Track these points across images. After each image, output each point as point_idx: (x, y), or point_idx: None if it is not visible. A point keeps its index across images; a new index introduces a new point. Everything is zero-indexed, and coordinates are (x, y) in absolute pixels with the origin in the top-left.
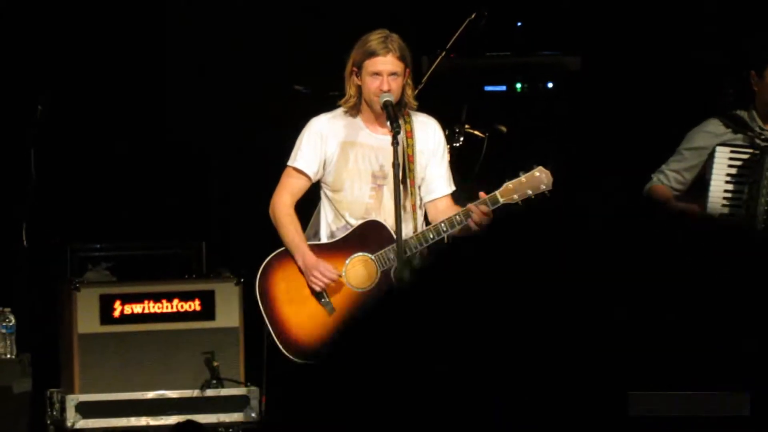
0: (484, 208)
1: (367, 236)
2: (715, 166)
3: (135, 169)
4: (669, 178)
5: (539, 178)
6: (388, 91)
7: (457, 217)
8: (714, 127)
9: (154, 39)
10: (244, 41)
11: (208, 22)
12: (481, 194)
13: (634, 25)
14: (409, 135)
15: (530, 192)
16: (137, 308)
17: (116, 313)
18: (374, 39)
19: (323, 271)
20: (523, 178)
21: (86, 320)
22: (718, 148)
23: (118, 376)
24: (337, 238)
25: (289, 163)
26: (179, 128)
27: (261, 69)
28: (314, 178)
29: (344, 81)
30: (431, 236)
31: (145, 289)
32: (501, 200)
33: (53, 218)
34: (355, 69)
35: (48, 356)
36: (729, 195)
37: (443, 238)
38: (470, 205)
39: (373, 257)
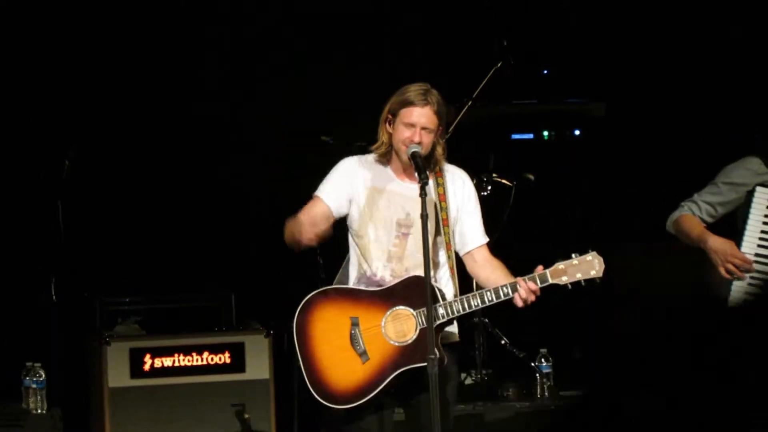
0: (533, 285)
1: (412, 290)
2: (754, 205)
3: (163, 221)
4: (701, 209)
5: (591, 263)
6: (419, 143)
7: (504, 289)
8: (755, 165)
9: (183, 89)
10: (272, 91)
11: (235, 66)
12: (539, 268)
13: (657, 70)
14: (442, 195)
15: (580, 276)
16: (167, 361)
17: (146, 367)
18: (414, 90)
19: None
20: (575, 260)
21: (117, 374)
22: (759, 189)
23: (150, 430)
24: (381, 287)
25: (316, 192)
26: (206, 179)
27: (289, 119)
28: (335, 211)
29: (378, 127)
30: (475, 303)
31: (175, 342)
32: (550, 280)
33: (82, 272)
34: (389, 116)
35: (79, 411)
36: (765, 236)
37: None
38: (519, 280)
39: (414, 313)
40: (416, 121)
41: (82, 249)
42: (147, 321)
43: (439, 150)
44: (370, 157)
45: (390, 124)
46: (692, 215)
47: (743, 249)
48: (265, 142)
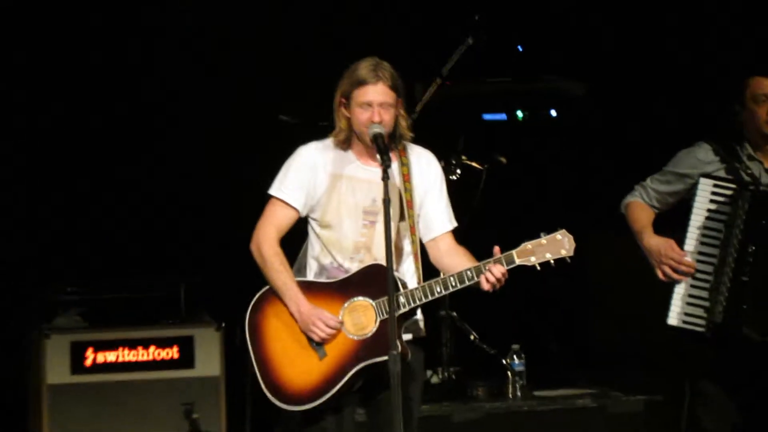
0: (500, 268)
1: (370, 280)
2: (697, 198)
3: (106, 206)
4: (650, 196)
5: (561, 242)
6: (380, 122)
7: (468, 272)
8: (703, 153)
9: (131, 67)
10: (226, 67)
11: (188, 41)
12: (496, 249)
13: (644, 46)
14: (407, 176)
15: (549, 256)
16: (111, 356)
17: (88, 362)
18: (363, 67)
19: (325, 320)
20: (543, 239)
21: (56, 369)
22: (702, 180)
23: (92, 430)
24: (335, 279)
25: (273, 192)
26: (151, 160)
27: (243, 96)
28: (302, 212)
29: (333, 113)
30: (438, 290)
31: (119, 335)
32: (517, 261)
33: (19, 261)
34: (343, 100)
35: (15, 409)
36: (708, 233)
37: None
38: (483, 263)
39: (373, 303)
40: (372, 99)
41: (19, 236)
42: (89, 312)
43: (403, 123)
44: (330, 141)
45: (346, 108)
46: (642, 203)
47: (686, 247)
48: (214, 121)
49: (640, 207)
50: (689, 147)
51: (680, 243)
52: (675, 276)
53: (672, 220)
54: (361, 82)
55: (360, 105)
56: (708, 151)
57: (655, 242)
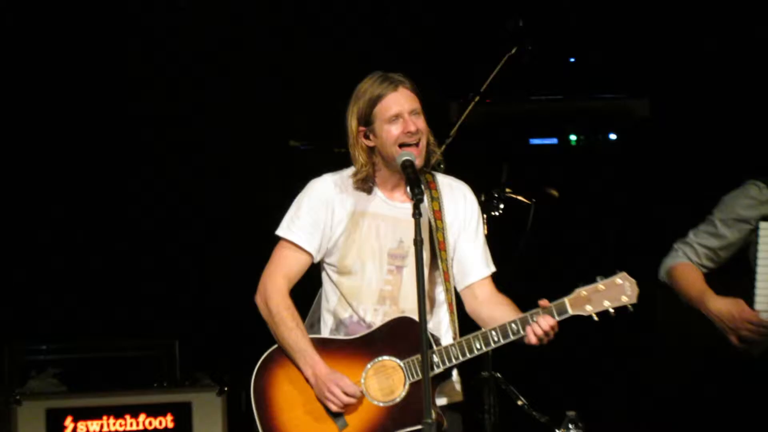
0: (550, 320)
1: (397, 336)
2: (761, 246)
3: (89, 252)
4: (699, 253)
5: (621, 287)
6: (417, 131)
7: (513, 325)
8: (756, 191)
9: (119, 89)
10: (226, 87)
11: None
12: (543, 302)
13: (713, 58)
14: (438, 212)
15: (608, 304)
16: (94, 426)
17: None
18: (372, 83)
19: (344, 387)
20: (600, 284)
21: None
22: (762, 224)
23: None
24: (356, 335)
25: (282, 234)
26: (142, 196)
27: (247, 119)
28: (316, 257)
29: (349, 149)
30: (477, 346)
31: (104, 401)
32: (570, 311)
33: None
34: (362, 129)
35: None
36: None
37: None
38: (530, 314)
39: (401, 364)
40: (400, 109)
41: None
42: (68, 374)
43: (431, 139)
44: (347, 173)
45: (367, 137)
46: (689, 264)
47: (757, 306)
48: (217, 149)
49: (690, 269)
50: (735, 190)
51: (746, 298)
52: (755, 337)
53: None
54: (380, 96)
55: (388, 121)
56: (763, 189)
57: (724, 306)
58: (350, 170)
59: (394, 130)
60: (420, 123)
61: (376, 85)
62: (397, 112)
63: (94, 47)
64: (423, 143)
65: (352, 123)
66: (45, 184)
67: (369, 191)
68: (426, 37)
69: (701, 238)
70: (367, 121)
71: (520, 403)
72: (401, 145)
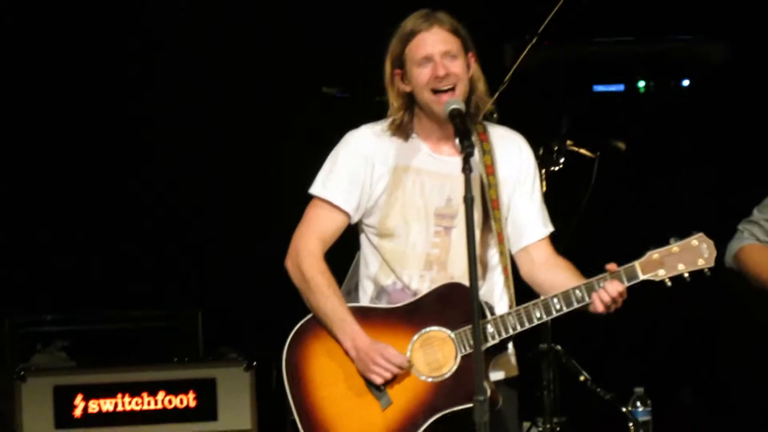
0: (617, 285)
1: (446, 304)
2: None
3: (101, 214)
4: (766, 229)
5: (698, 249)
6: (446, 75)
7: (577, 292)
8: None
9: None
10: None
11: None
12: (611, 266)
13: None
14: (490, 167)
15: (683, 267)
16: (107, 405)
17: (78, 412)
18: (411, 18)
19: (390, 357)
20: (675, 246)
21: (36, 421)
22: None
23: None
24: (400, 304)
25: (316, 191)
26: (158, 154)
27: (271, 65)
28: (354, 217)
29: (386, 92)
30: (537, 315)
31: (118, 377)
32: (641, 275)
33: None
34: (397, 71)
35: None
36: None
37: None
38: (596, 279)
39: (451, 335)
40: (431, 51)
41: None
42: (78, 347)
43: (481, 86)
44: (387, 126)
45: (402, 79)
46: (757, 245)
47: None
48: (233, 98)
49: (758, 250)
50: None
51: None
52: None
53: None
54: (413, 33)
55: (418, 63)
56: None
57: None
58: (386, 123)
59: (424, 74)
60: (454, 66)
61: (413, 20)
62: (427, 54)
63: (93, 46)
64: (460, 89)
65: (388, 61)
66: (60, 153)
67: (411, 144)
68: None
69: (764, 210)
70: (400, 62)
71: (582, 378)
72: (434, 92)
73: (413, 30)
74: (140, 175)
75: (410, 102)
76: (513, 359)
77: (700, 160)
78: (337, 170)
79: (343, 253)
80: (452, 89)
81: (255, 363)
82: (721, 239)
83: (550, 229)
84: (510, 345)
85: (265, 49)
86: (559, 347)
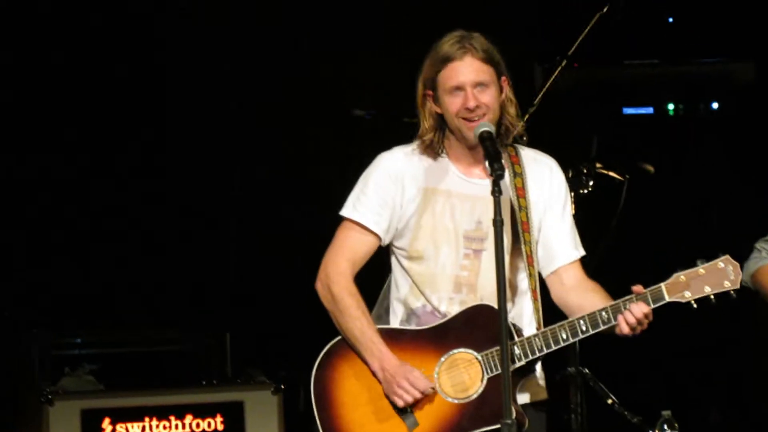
0: (643, 306)
1: (474, 326)
2: None
3: (126, 236)
4: None
5: (724, 271)
6: (477, 107)
7: (603, 314)
8: None
9: (156, 77)
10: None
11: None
12: (637, 288)
13: None
14: (521, 190)
15: (709, 290)
16: (134, 429)
17: None
18: (446, 42)
19: (414, 381)
20: (701, 268)
21: None
22: None
23: None
24: (426, 326)
25: (347, 213)
26: (185, 177)
27: (302, 88)
28: (384, 239)
29: (418, 111)
30: (564, 336)
31: (145, 401)
32: (667, 297)
33: (18, 303)
34: (429, 92)
35: None
36: None
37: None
38: (622, 301)
39: (478, 357)
40: (463, 81)
41: (18, 273)
42: (106, 370)
43: (511, 111)
44: (418, 147)
45: (433, 101)
46: None
47: None
48: (263, 117)
49: None
50: None
51: None
52: None
53: None
54: (446, 60)
55: (449, 92)
56: None
57: None
58: (416, 143)
59: (454, 104)
60: (485, 97)
61: (448, 45)
62: (459, 84)
63: (94, 46)
64: (489, 117)
65: (420, 81)
66: (82, 171)
67: (441, 165)
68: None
69: None
70: (432, 85)
71: (609, 401)
72: (464, 118)
73: (447, 56)
74: (168, 198)
75: (441, 122)
76: (542, 382)
77: (730, 179)
78: (368, 192)
79: (375, 277)
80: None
81: (283, 386)
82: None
83: (581, 252)
84: (538, 368)
85: (294, 73)
86: (586, 370)
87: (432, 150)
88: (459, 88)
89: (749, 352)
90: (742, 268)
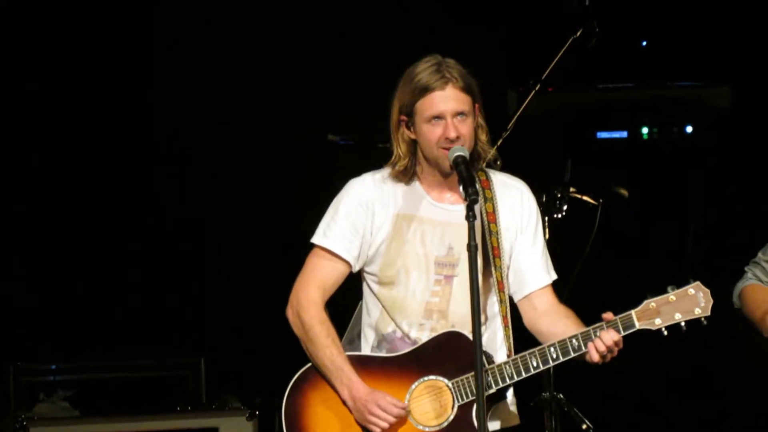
0: (614, 335)
1: (445, 353)
2: None
3: (100, 262)
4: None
5: (694, 298)
6: (457, 138)
7: (574, 341)
8: None
9: (139, 89)
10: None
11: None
12: (607, 315)
13: None
14: (492, 215)
15: (680, 317)
16: None
17: None
18: (423, 69)
19: (386, 407)
20: (672, 295)
21: None
22: None
23: None
24: (399, 352)
25: (317, 240)
26: (158, 203)
27: (276, 113)
28: (355, 265)
29: (390, 136)
30: (534, 364)
31: (120, 427)
32: (637, 324)
33: None
34: (404, 118)
35: None
36: None
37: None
38: (593, 328)
39: (449, 384)
40: (443, 111)
41: None
42: (81, 397)
43: (483, 137)
44: (389, 172)
45: (409, 128)
46: (758, 285)
47: None
48: (245, 154)
49: (758, 290)
50: None
51: None
52: None
53: None
54: (425, 90)
55: (428, 120)
56: None
57: None
58: (389, 169)
59: (434, 133)
60: (464, 128)
61: (427, 74)
62: (440, 113)
63: (97, 49)
64: (467, 147)
65: (395, 107)
66: (58, 193)
67: (412, 191)
68: (484, 19)
69: None
70: (408, 112)
71: (584, 427)
72: (443, 147)
73: (427, 86)
74: (141, 224)
75: (414, 148)
76: (513, 408)
77: (704, 204)
78: (338, 219)
79: (347, 302)
80: None
81: (257, 412)
82: (722, 285)
83: (554, 276)
84: (509, 394)
85: (269, 97)
86: (561, 396)
87: (405, 176)
88: (440, 117)
89: (728, 376)
90: (721, 292)
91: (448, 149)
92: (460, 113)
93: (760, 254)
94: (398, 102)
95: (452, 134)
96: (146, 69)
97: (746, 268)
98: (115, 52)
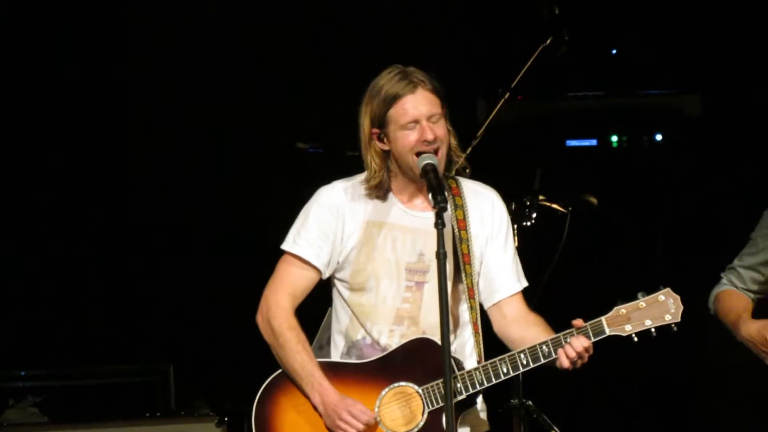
0: (584, 341)
1: (415, 360)
2: None
3: (69, 268)
4: (743, 277)
5: (664, 304)
6: (434, 139)
7: (544, 347)
8: None
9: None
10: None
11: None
12: (577, 322)
13: None
14: (462, 222)
15: (650, 323)
16: None
17: None
18: (389, 79)
19: (357, 414)
20: (642, 301)
21: None
22: None
23: None
24: (369, 359)
25: (287, 247)
26: (130, 208)
27: (247, 122)
28: (325, 272)
29: (361, 152)
30: (504, 370)
31: None
32: (607, 330)
33: None
34: (375, 130)
35: None
36: None
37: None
38: (563, 334)
39: (419, 390)
40: (418, 114)
41: None
42: (50, 403)
43: (453, 142)
44: (360, 180)
45: (381, 140)
46: (732, 290)
47: None
48: (217, 161)
49: (732, 295)
50: None
51: None
52: None
53: None
54: (396, 97)
55: (403, 127)
56: None
57: (754, 328)
58: (363, 176)
59: (410, 137)
60: (439, 130)
61: (393, 82)
62: (414, 117)
63: (94, 49)
64: (442, 152)
65: (365, 123)
66: (23, 197)
67: (384, 199)
68: (452, 28)
69: (744, 259)
70: (381, 123)
71: None
72: (418, 153)
73: (397, 93)
74: (112, 229)
75: (385, 160)
76: (483, 414)
77: (674, 212)
78: (308, 226)
79: (316, 308)
80: (435, 153)
81: (227, 418)
82: (692, 293)
83: (524, 283)
84: (479, 400)
85: (239, 102)
86: (530, 402)
87: (380, 190)
88: (415, 121)
89: (700, 382)
90: (691, 299)
91: (426, 152)
92: (434, 115)
93: (736, 261)
94: (368, 116)
95: (429, 136)
96: (121, 76)
97: (722, 274)
98: (92, 61)
